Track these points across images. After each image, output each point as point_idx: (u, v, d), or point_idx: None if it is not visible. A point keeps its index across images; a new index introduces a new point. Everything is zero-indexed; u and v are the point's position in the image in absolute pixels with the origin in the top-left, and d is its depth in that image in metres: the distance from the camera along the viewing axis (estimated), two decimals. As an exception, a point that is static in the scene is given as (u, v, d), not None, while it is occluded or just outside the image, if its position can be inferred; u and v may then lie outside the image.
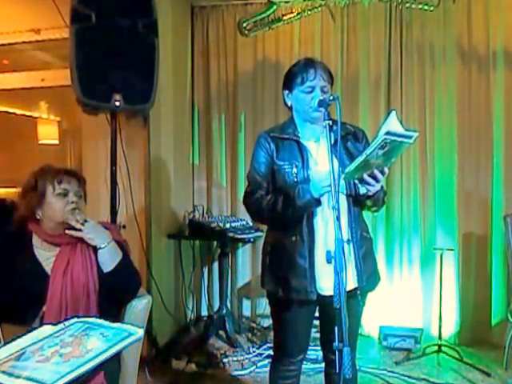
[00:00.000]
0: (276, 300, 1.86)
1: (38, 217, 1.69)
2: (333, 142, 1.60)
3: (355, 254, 1.77)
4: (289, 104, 1.87)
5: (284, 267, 1.77)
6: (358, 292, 1.77)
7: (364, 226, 1.87)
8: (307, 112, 1.79)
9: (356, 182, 1.69)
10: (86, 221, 1.66)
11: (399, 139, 1.49)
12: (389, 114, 1.57)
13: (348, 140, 1.84)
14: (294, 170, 1.75)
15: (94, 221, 1.68)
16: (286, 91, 1.87)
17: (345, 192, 1.76)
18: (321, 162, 1.75)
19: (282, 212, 1.71)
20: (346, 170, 1.57)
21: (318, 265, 1.73)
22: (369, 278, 1.81)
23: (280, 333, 1.91)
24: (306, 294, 1.75)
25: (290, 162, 1.77)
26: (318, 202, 1.67)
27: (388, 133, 1.45)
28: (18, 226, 1.72)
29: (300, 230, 1.74)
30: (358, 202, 1.78)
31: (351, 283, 1.74)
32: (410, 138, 1.49)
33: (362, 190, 1.70)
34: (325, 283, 1.71)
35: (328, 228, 1.73)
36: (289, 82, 1.84)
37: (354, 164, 1.54)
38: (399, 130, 1.50)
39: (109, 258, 1.66)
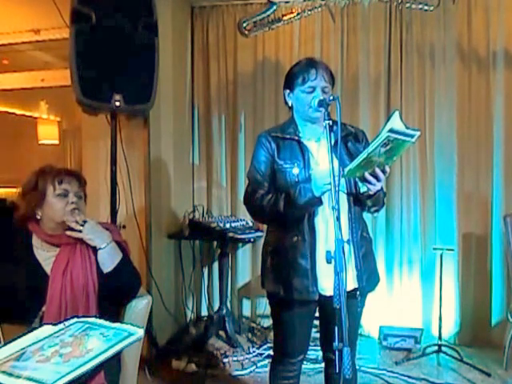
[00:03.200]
0: (277, 300, 1.85)
1: (38, 217, 1.69)
2: (333, 142, 1.60)
3: (355, 254, 1.77)
4: (289, 104, 1.87)
5: (285, 267, 1.77)
6: (358, 292, 1.77)
7: (364, 226, 1.87)
8: (307, 112, 1.79)
9: (357, 180, 1.69)
10: (85, 221, 1.65)
11: (402, 137, 1.49)
12: (392, 114, 1.57)
13: (348, 141, 1.84)
14: (295, 169, 1.75)
15: (93, 221, 1.68)
16: (287, 91, 1.87)
17: (345, 190, 1.76)
18: (321, 162, 1.75)
19: (283, 211, 1.71)
20: (348, 167, 1.57)
21: (320, 265, 1.73)
22: (368, 278, 1.82)
23: (280, 333, 1.91)
24: (307, 294, 1.75)
25: (291, 162, 1.77)
26: (320, 201, 1.67)
27: (391, 130, 1.46)
28: (18, 225, 1.72)
29: (301, 230, 1.74)
30: (358, 202, 1.78)
31: (351, 283, 1.74)
32: (412, 136, 1.50)
33: (363, 189, 1.70)
34: (326, 283, 1.71)
35: (328, 228, 1.73)
36: (290, 82, 1.84)
37: (357, 161, 1.54)
38: (402, 128, 1.51)
39: (108, 259, 1.66)
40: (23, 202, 1.70)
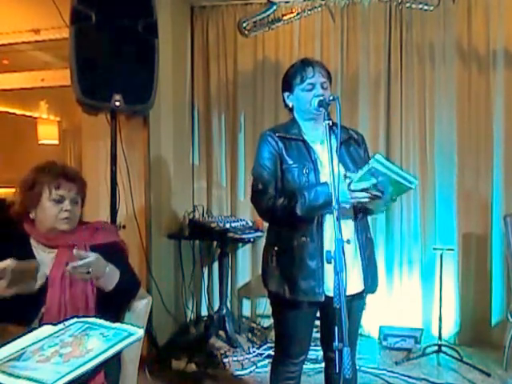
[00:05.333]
0: (281, 301, 1.83)
1: (32, 216, 1.67)
2: (335, 146, 1.60)
3: (361, 257, 1.76)
4: (290, 105, 1.87)
5: (292, 268, 1.75)
6: (364, 294, 1.77)
7: (368, 228, 1.87)
8: (309, 110, 1.78)
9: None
10: (89, 272, 1.52)
11: (389, 173, 1.51)
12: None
13: (351, 145, 1.84)
14: (305, 169, 1.74)
15: (93, 260, 1.53)
16: (287, 93, 1.86)
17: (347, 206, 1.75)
18: (326, 164, 1.74)
19: (299, 214, 1.68)
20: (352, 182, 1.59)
21: (326, 266, 1.72)
22: (372, 279, 1.82)
23: (282, 333, 1.90)
24: (313, 296, 1.74)
25: (299, 162, 1.75)
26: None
27: (377, 160, 1.48)
28: (16, 224, 1.71)
29: (310, 230, 1.73)
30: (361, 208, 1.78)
31: (359, 286, 1.74)
32: (406, 180, 1.53)
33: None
34: (331, 284, 1.70)
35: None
36: (288, 84, 1.84)
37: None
38: (389, 164, 1.52)
39: (108, 283, 1.62)
40: (18, 200, 1.68)
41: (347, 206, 1.66)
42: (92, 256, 1.52)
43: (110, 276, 1.62)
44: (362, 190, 1.59)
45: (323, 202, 1.64)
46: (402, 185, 1.55)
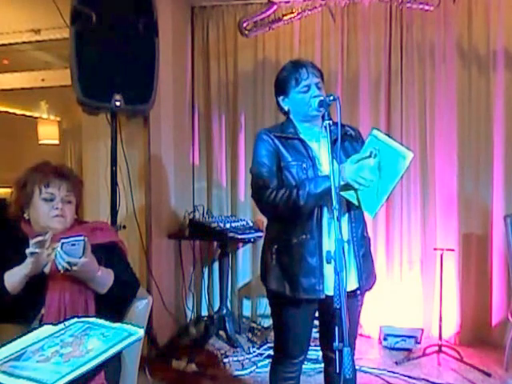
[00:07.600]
0: (280, 299, 1.83)
1: (26, 217, 1.67)
2: (333, 140, 1.60)
3: (355, 254, 1.76)
4: (286, 108, 1.87)
5: (293, 266, 1.75)
6: (359, 292, 1.77)
7: (364, 226, 1.86)
8: (308, 111, 1.78)
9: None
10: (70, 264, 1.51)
11: (390, 143, 1.55)
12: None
13: (346, 140, 1.84)
14: (304, 166, 1.73)
15: (82, 261, 1.53)
16: (281, 97, 1.86)
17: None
18: (323, 162, 1.75)
19: (300, 202, 1.67)
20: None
21: (326, 264, 1.71)
22: (367, 277, 1.82)
23: (282, 333, 1.90)
24: (314, 293, 1.73)
25: (298, 159, 1.75)
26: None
27: (374, 134, 1.54)
28: (14, 225, 1.70)
29: (310, 227, 1.73)
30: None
31: (352, 283, 1.74)
32: (400, 154, 1.55)
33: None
34: (331, 282, 1.70)
35: (331, 228, 1.73)
36: (282, 87, 1.83)
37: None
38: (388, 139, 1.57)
39: (99, 286, 1.62)
40: (13, 200, 1.68)
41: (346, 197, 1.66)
42: (82, 259, 1.51)
43: (102, 279, 1.61)
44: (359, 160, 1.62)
45: (325, 188, 1.62)
46: (397, 160, 1.56)
